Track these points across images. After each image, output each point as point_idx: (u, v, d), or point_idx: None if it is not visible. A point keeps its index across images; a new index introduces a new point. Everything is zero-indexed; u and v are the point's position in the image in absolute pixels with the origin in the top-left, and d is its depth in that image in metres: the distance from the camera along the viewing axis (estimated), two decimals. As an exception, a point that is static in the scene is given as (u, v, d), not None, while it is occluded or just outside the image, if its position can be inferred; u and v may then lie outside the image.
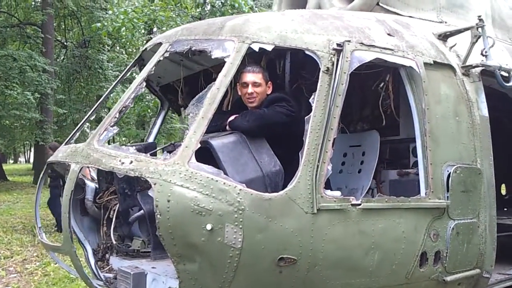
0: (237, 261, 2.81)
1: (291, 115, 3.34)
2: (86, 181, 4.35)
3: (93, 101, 24.64)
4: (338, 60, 3.24)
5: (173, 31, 3.87)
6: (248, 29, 3.39)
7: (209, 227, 2.75)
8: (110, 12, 12.97)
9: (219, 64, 4.19)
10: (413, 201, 3.33)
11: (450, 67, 3.85)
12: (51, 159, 3.80)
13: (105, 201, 4.43)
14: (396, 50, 3.51)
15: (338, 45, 3.27)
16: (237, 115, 3.38)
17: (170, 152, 3.06)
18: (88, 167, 3.28)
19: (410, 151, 4.27)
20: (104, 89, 21.17)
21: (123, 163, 2.98)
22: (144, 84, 3.55)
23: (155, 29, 18.91)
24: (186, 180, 2.80)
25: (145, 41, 18.95)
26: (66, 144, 3.91)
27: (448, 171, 3.52)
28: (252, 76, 3.47)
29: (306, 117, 3.14)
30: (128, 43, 20.85)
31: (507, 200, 7.64)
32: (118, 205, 4.26)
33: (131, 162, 2.97)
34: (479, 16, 3.87)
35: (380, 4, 4.61)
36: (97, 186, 4.49)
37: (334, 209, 3.01)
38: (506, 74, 4.03)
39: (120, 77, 4.47)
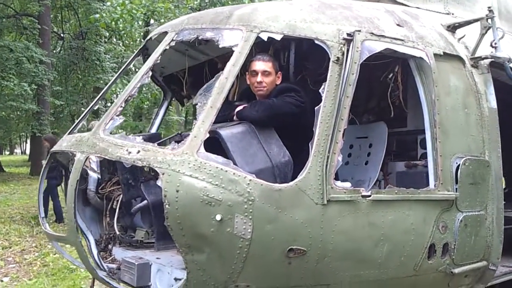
0: (246, 252, 2.78)
1: (300, 106, 3.30)
2: (89, 171, 4.30)
3: (89, 92, 24.50)
4: (348, 50, 3.19)
5: (179, 20, 3.81)
6: (256, 18, 3.34)
7: (218, 217, 2.71)
8: (108, 3, 12.79)
9: (225, 54, 4.15)
10: (423, 193, 3.31)
11: (459, 58, 3.81)
12: (55, 148, 3.75)
13: (107, 191, 4.39)
14: (406, 40, 3.47)
15: (348, 34, 3.22)
16: (245, 105, 3.33)
17: (178, 142, 3.01)
18: (92, 156, 3.22)
19: (418, 143, 4.24)
20: (101, 81, 21.04)
21: (130, 152, 2.93)
22: (150, 73, 3.50)
23: (152, 21, 18.81)
24: (195, 170, 2.76)
25: (142, 33, 18.89)
26: (69, 134, 3.85)
27: (457, 163, 3.49)
28: (262, 65, 3.43)
29: (316, 108, 3.09)
30: (125, 35, 20.75)
31: (507, 194, 7.63)
32: (121, 195, 4.22)
33: (138, 151, 2.92)
34: (489, 8, 3.83)
35: (390, -9, 4.56)
36: (99, 176, 4.45)
37: (344, 200, 2.98)
38: (515, 66, 3.99)
39: (124, 66, 4.41)
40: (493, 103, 3.90)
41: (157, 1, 12.27)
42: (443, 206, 3.39)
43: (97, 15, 12.61)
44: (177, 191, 2.72)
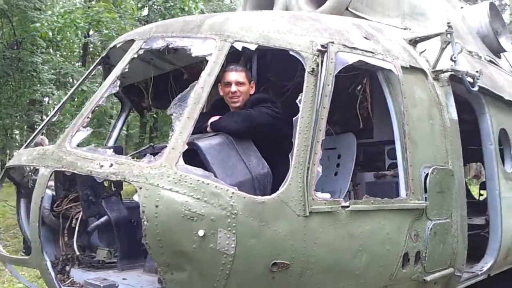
0: (230, 268, 2.66)
1: (277, 117, 3.25)
2: (43, 188, 4.00)
3: (24, 105, 23.11)
4: (322, 62, 3.20)
5: (146, 27, 3.68)
6: (229, 28, 3.28)
7: (201, 233, 2.58)
8: (49, 12, 12.20)
9: (193, 64, 4.06)
10: (396, 202, 3.36)
11: (422, 71, 3.94)
12: (12, 162, 3.44)
13: (64, 209, 4.11)
14: (375, 53, 3.54)
15: (322, 46, 3.23)
16: (221, 116, 3.24)
17: (154, 155, 2.86)
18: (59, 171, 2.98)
19: (385, 154, 4.33)
20: (38, 93, 19.92)
21: (102, 166, 2.74)
22: (118, 83, 3.31)
23: (91, 32, 18.16)
24: (175, 183, 2.62)
25: (81, 45, 18.14)
26: (26, 147, 3.56)
27: (425, 172, 3.58)
28: (236, 75, 3.36)
29: (294, 118, 3.06)
30: (64, 46, 19.84)
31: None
32: (81, 213, 3.96)
33: (111, 165, 2.74)
34: (448, 23, 4.00)
35: (349, 9, 4.66)
36: (53, 193, 4.16)
37: (325, 211, 2.95)
38: (471, 80, 4.18)
39: (84, 76, 4.18)
40: (454, 115, 4.07)
41: (102, 11, 11.88)
42: (414, 215, 3.46)
43: (38, 24, 11.95)
44: (156, 206, 2.56)
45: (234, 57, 3.62)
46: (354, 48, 3.41)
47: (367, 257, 3.14)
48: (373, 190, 3.96)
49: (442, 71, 4.05)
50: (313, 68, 3.19)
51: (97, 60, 4.13)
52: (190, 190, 2.61)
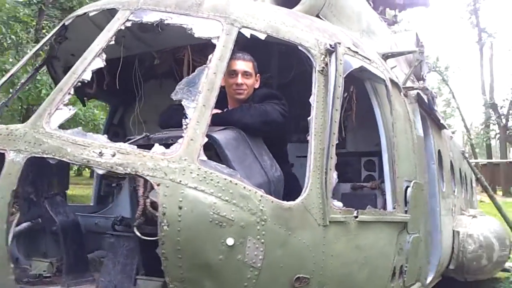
0: (254, 284, 2.28)
1: (285, 115, 2.96)
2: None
3: None
4: (330, 62, 3.02)
5: (128, -3, 3.12)
6: (234, 12, 2.95)
7: (230, 241, 2.18)
8: None
9: (168, 49, 3.60)
10: (389, 214, 3.28)
11: (397, 86, 3.99)
12: None
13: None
14: (371, 61, 3.47)
15: (331, 46, 3.06)
16: (233, 108, 2.85)
17: (165, 145, 2.36)
18: (39, 157, 2.28)
19: (362, 165, 4.26)
20: None
21: (102, 154, 2.18)
22: (104, 55, 2.73)
23: None
24: (200, 181, 2.19)
25: None
26: None
27: (405, 185, 3.58)
28: (243, 64, 3.00)
29: (308, 118, 2.82)
30: None
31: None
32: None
33: (114, 154, 2.19)
34: (421, 42, 4.14)
35: (320, 15, 4.58)
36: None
37: (339, 221, 2.73)
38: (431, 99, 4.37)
39: (35, 49, 3.40)
40: (420, 131, 4.19)
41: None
42: (399, 228, 3.41)
43: None
44: (180, 207, 2.10)
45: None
46: (356, 52, 3.30)
47: (368, 270, 2.99)
48: (350, 202, 3.84)
49: (412, 88, 4.14)
50: (323, 68, 3.00)
51: (55, 30, 3.40)
52: (217, 190, 2.20)
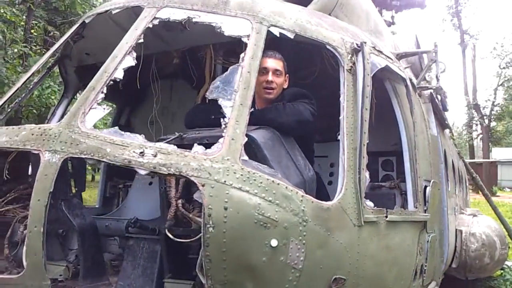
0: (295, 286, 2.25)
1: (315, 116, 2.93)
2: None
3: None
4: (357, 61, 3.01)
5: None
6: (262, 10, 2.91)
7: (274, 243, 2.14)
8: None
9: (191, 47, 3.55)
10: (413, 214, 3.28)
11: (414, 86, 3.99)
12: None
13: (2, 212, 3.16)
14: (394, 60, 3.47)
15: (357, 45, 3.04)
16: (266, 107, 2.81)
17: (201, 144, 2.31)
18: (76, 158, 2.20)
19: (379, 165, 4.26)
20: None
21: (143, 154, 2.11)
22: (134, 54, 2.65)
23: None
24: (244, 181, 2.14)
25: None
26: None
27: (424, 185, 3.59)
28: (274, 62, 2.96)
29: (340, 118, 2.80)
30: None
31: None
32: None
33: (156, 154, 2.13)
34: (435, 42, 4.15)
35: (331, 15, 4.57)
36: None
37: (372, 221, 2.71)
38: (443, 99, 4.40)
39: (54, 48, 3.30)
40: (434, 131, 4.20)
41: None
42: (420, 228, 3.42)
43: None
44: (226, 208, 2.05)
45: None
46: (381, 52, 3.29)
47: (396, 270, 2.98)
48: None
49: (427, 88, 4.16)
50: (351, 67, 2.99)
51: (74, 28, 3.29)
52: (261, 191, 2.15)
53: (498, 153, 35.29)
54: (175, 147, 2.22)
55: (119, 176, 4.79)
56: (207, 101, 3.47)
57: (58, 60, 3.70)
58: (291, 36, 2.90)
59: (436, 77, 4.14)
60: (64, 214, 3.18)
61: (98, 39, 3.40)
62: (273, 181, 2.21)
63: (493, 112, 30.47)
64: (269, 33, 2.84)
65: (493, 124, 30.99)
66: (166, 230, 2.51)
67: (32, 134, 2.24)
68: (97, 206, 4.86)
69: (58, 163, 2.12)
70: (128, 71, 3.91)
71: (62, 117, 4.02)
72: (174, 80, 4.45)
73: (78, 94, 4.08)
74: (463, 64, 35.17)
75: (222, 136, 2.35)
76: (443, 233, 4.06)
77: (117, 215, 4.43)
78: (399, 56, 4.25)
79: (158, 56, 3.72)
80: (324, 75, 3.84)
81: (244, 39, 2.75)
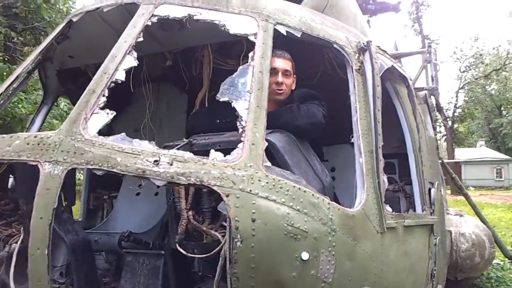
0: (325, 301, 2.08)
1: (325, 117, 2.79)
2: None
3: None
4: (365, 60, 2.90)
5: (150, -9, 2.83)
6: (266, 7, 2.75)
7: (305, 256, 1.96)
8: None
9: (187, 48, 3.35)
10: (423, 217, 3.17)
11: (410, 87, 3.92)
12: None
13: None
14: (396, 61, 3.37)
15: (364, 44, 2.93)
16: (279, 109, 2.64)
17: (218, 151, 2.11)
18: (81, 168, 1.95)
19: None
20: None
21: (158, 163, 1.90)
22: (135, 54, 2.42)
23: None
24: (270, 189, 1.96)
25: None
26: None
27: (429, 187, 3.50)
28: (283, 63, 2.80)
29: (354, 120, 2.66)
30: None
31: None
32: (21, 236, 2.78)
33: (171, 163, 1.92)
34: (429, 43, 4.10)
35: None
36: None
37: (392, 227, 2.58)
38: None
39: (45, 45, 3.01)
40: (431, 132, 4.14)
41: None
42: (429, 231, 3.32)
43: None
44: (253, 220, 1.86)
45: None
46: (385, 51, 3.19)
47: (413, 277, 2.86)
48: None
49: (422, 89, 4.09)
50: (359, 66, 2.86)
51: (59, 27, 3.01)
52: (289, 199, 1.98)
53: (461, 154, 36.42)
54: (192, 154, 2.01)
55: (103, 187, 4.50)
56: (206, 105, 3.31)
57: (38, 63, 3.41)
58: (298, 34, 2.75)
59: (432, 77, 4.07)
60: (54, 230, 2.91)
61: (84, 40, 3.15)
62: (299, 188, 2.04)
63: (455, 114, 31.39)
64: (275, 31, 2.68)
65: (456, 125, 31.94)
66: (177, 245, 2.29)
67: (28, 144, 1.98)
68: (80, 220, 4.54)
69: (61, 175, 1.87)
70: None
71: (42, 124, 3.73)
72: (161, 84, 4.22)
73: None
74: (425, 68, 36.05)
75: (235, 141, 2.17)
76: (445, 235, 3.99)
77: (104, 228, 4.15)
78: (394, 57, 4.18)
79: (147, 58, 3.49)
80: (323, 76, 3.71)
81: (251, 38, 2.58)
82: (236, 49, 3.31)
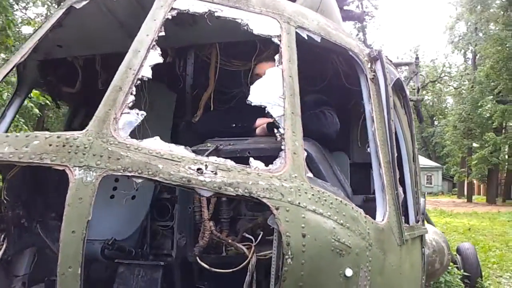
0: (360, 319, 2.01)
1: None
2: None
3: None
4: (377, 70, 2.88)
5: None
6: (285, 9, 2.66)
7: (348, 272, 1.88)
8: None
9: (191, 45, 3.17)
10: (418, 228, 3.21)
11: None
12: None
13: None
14: (397, 71, 3.40)
15: (376, 53, 2.91)
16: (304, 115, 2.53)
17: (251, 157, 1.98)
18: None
19: (371, 177, 4.13)
20: None
21: (202, 171, 1.74)
22: (159, 48, 2.22)
23: None
24: (317, 202, 1.86)
25: None
26: None
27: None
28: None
29: (371, 129, 2.63)
30: None
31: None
32: (5, 244, 2.49)
33: (215, 172, 1.77)
34: (417, 54, 4.19)
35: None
36: None
37: (406, 239, 2.57)
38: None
39: (37, 37, 2.70)
40: (415, 143, 4.22)
41: None
42: (421, 242, 3.37)
43: None
44: (304, 235, 1.76)
45: None
46: (391, 61, 3.20)
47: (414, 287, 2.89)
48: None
49: (410, 100, 4.17)
50: (373, 75, 2.83)
51: (58, 15, 2.70)
52: (333, 213, 1.90)
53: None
54: (233, 162, 1.87)
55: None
56: (212, 108, 3.14)
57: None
58: (318, 39, 2.67)
59: (418, 89, 4.17)
60: (40, 238, 2.64)
61: (80, 29, 2.88)
62: (341, 201, 1.96)
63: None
64: (297, 35, 2.58)
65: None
66: (197, 258, 2.14)
67: (50, 145, 1.73)
68: None
69: (95, 183, 1.65)
70: (87, 67, 3.42)
71: (13, 119, 3.37)
72: (146, 81, 3.97)
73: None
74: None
75: (266, 149, 2.06)
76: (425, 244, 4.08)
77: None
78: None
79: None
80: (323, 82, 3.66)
81: (275, 40, 2.47)
82: (240, 49, 3.18)
